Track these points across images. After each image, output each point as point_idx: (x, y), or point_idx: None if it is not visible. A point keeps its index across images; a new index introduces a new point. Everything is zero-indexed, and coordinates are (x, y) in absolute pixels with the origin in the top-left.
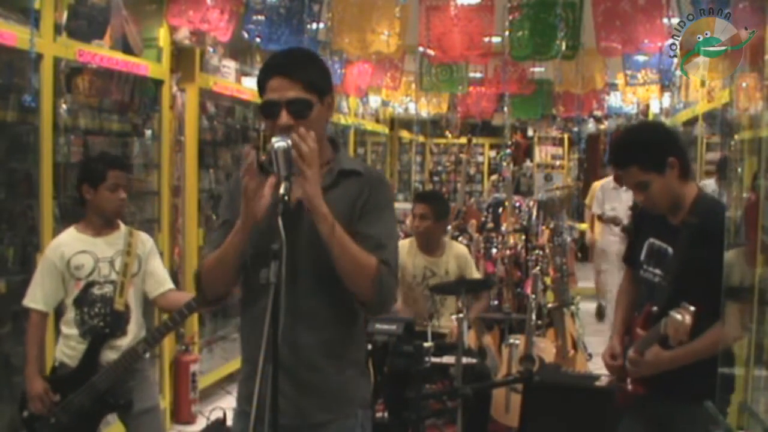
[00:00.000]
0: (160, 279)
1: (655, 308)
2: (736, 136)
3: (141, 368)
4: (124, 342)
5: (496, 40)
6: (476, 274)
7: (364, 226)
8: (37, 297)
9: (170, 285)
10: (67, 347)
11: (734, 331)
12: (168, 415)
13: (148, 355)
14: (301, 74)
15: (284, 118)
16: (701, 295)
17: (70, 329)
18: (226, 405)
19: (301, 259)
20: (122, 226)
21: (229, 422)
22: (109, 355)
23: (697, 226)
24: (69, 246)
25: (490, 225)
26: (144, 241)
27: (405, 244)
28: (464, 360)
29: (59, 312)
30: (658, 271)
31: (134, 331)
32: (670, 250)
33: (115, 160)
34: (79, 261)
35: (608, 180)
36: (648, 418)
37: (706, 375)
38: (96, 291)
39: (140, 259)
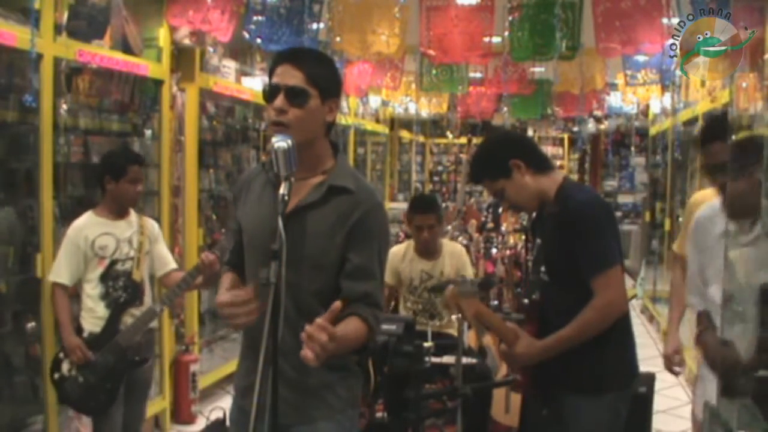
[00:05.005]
0: (165, 260)
1: (525, 300)
2: (733, 136)
3: (153, 326)
4: (140, 310)
5: (496, 40)
6: (470, 272)
7: (354, 254)
8: (62, 273)
9: (174, 265)
10: (94, 317)
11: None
12: (168, 415)
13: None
14: (307, 66)
15: (279, 101)
16: (568, 282)
17: (95, 303)
18: (226, 405)
19: (286, 270)
20: (132, 212)
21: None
22: (127, 321)
23: (557, 214)
24: (91, 229)
25: (490, 225)
26: (152, 225)
27: (401, 249)
28: (464, 360)
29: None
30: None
31: (148, 302)
32: (539, 242)
33: (135, 156)
34: (103, 242)
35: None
36: (548, 410)
37: (585, 366)
38: (119, 267)
39: (150, 239)
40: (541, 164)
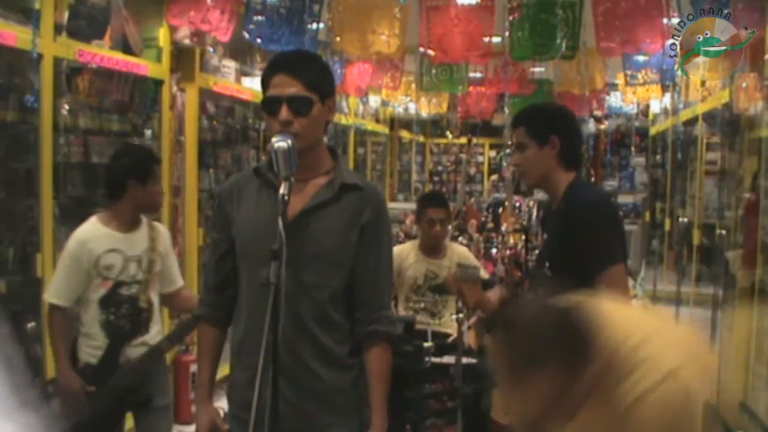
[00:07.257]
0: (172, 276)
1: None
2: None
3: (162, 363)
4: (145, 339)
5: (496, 40)
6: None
7: (366, 252)
8: (61, 293)
9: (181, 282)
10: (91, 347)
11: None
12: None
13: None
14: (304, 73)
15: (284, 113)
16: (568, 279)
17: (93, 329)
18: (226, 405)
19: (302, 269)
20: (144, 219)
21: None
22: (130, 353)
23: (563, 211)
24: (98, 243)
25: (490, 225)
26: (164, 235)
27: (406, 249)
28: (464, 360)
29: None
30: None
31: (156, 328)
32: (545, 237)
33: (155, 154)
34: (109, 260)
35: None
36: None
37: None
38: (124, 292)
39: (162, 256)
40: (570, 162)
